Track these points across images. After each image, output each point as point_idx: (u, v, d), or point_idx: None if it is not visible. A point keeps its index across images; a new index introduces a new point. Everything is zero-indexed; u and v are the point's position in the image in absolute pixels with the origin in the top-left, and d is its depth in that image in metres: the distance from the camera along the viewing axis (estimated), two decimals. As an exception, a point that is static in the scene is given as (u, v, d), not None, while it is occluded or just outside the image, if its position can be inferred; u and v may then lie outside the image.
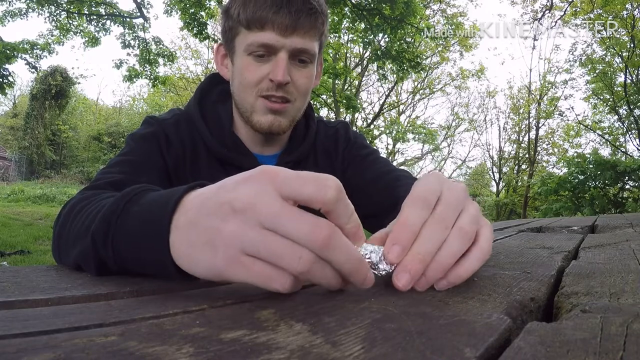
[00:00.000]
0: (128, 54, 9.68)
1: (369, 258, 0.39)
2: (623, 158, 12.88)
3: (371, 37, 9.47)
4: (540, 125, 18.65)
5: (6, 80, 7.81)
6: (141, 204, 0.43)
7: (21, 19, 8.89)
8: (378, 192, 0.87)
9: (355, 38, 11.16)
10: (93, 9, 9.18)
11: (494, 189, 20.84)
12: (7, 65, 7.75)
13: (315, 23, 0.78)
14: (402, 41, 9.09)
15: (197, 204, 0.37)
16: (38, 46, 8.82)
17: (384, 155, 1.15)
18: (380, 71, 10.98)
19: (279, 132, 0.84)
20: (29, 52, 8.61)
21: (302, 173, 0.35)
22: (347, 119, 15.10)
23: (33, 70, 8.99)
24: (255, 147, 0.90)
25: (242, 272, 0.34)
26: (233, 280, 0.36)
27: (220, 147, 0.86)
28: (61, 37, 9.29)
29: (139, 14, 9.33)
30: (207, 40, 9.74)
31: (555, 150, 19.29)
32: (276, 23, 0.75)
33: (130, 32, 9.57)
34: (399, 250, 0.38)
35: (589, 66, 14.90)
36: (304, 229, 0.33)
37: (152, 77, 9.79)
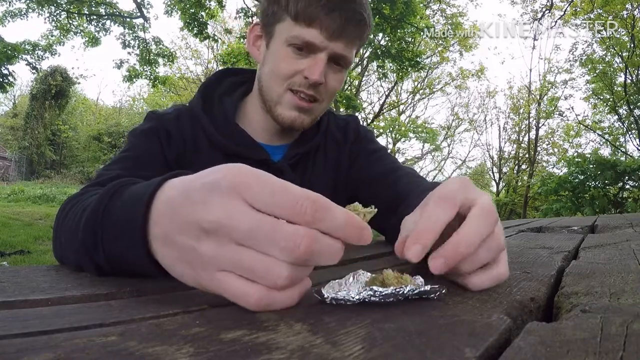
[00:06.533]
0: (128, 54, 9.70)
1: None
2: (623, 158, 12.88)
3: (371, 36, 9.46)
4: (540, 125, 18.65)
5: (6, 80, 7.82)
6: (118, 203, 0.43)
7: (21, 19, 8.89)
8: (383, 189, 0.87)
9: (355, 38, 11.12)
10: (93, 9, 9.18)
11: (494, 189, 20.80)
12: (7, 65, 7.76)
13: (361, 34, 0.79)
14: (401, 40, 9.08)
15: (168, 213, 0.36)
16: (40, 47, 8.83)
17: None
18: (380, 70, 10.98)
19: (299, 129, 0.85)
20: (31, 52, 8.62)
21: (279, 189, 0.32)
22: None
23: (34, 71, 9.01)
24: (266, 136, 0.89)
25: (221, 289, 0.33)
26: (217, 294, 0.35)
27: (223, 139, 0.84)
28: (61, 37, 9.29)
29: (139, 14, 9.33)
30: (207, 40, 9.74)
31: (555, 150, 19.28)
32: (325, 24, 0.74)
33: (130, 32, 9.57)
34: (420, 250, 0.38)
35: (589, 66, 14.89)
36: (280, 244, 0.31)
37: (152, 77, 9.79)
